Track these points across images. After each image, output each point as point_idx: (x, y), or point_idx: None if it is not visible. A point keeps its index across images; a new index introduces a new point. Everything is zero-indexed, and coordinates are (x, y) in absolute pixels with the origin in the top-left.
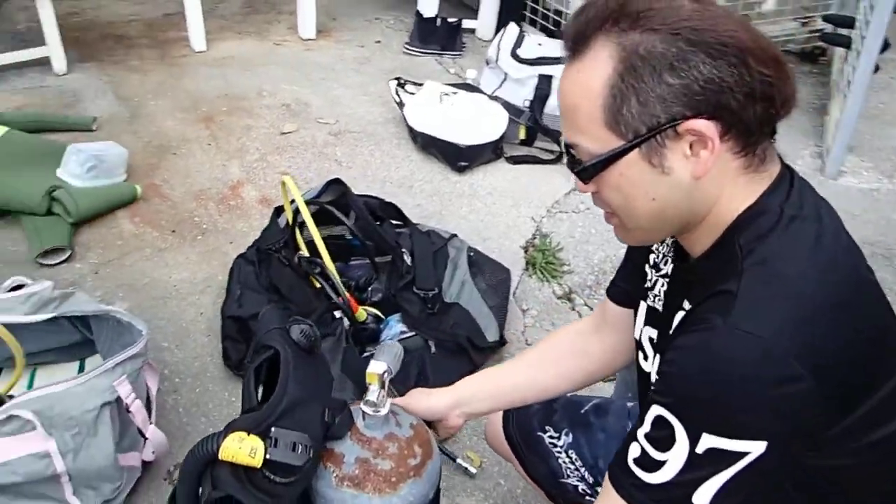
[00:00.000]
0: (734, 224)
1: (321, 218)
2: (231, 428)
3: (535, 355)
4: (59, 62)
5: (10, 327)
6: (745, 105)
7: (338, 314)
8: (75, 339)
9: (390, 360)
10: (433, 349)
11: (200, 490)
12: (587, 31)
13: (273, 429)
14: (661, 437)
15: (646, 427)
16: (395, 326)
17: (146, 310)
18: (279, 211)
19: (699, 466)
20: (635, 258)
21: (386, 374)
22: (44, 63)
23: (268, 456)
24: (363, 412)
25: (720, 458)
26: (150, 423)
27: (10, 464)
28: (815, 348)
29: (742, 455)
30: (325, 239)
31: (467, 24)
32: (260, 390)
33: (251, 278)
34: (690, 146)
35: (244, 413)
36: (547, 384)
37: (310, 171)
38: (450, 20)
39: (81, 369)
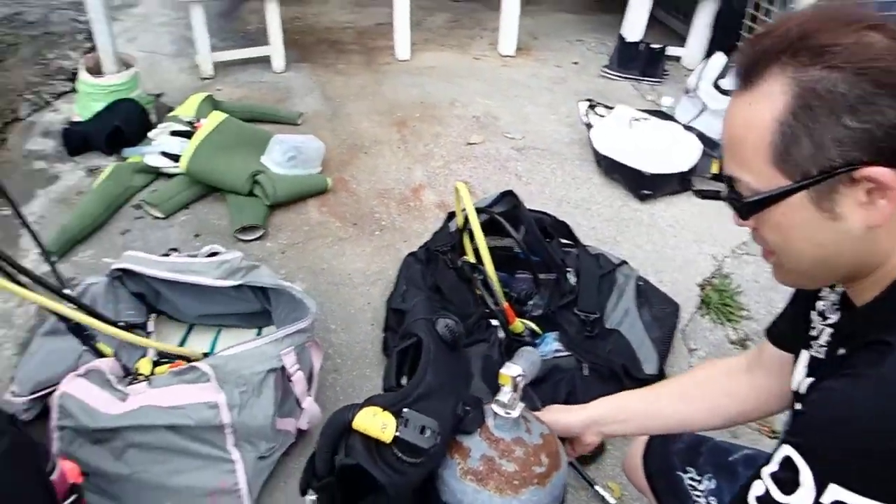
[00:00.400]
0: None
1: (491, 228)
2: (369, 402)
3: (681, 387)
4: (278, 61)
5: (202, 288)
6: None
7: (494, 322)
8: (256, 308)
9: (526, 365)
10: (586, 372)
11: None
12: (762, 60)
13: (405, 410)
14: (787, 478)
15: (773, 466)
16: (551, 344)
17: (321, 293)
18: (452, 216)
19: None
20: (802, 303)
21: (520, 378)
22: (265, 61)
23: (397, 433)
24: (494, 412)
25: None
26: (309, 396)
27: (185, 408)
28: None
29: None
30: (492, 249)
31: (672, 51)
32: (404, 380)
33: (417, 276)
34: (867, 193)
35: (384, 392)
36: (691, 418)
37: (489, 182)
38: (653, 46)
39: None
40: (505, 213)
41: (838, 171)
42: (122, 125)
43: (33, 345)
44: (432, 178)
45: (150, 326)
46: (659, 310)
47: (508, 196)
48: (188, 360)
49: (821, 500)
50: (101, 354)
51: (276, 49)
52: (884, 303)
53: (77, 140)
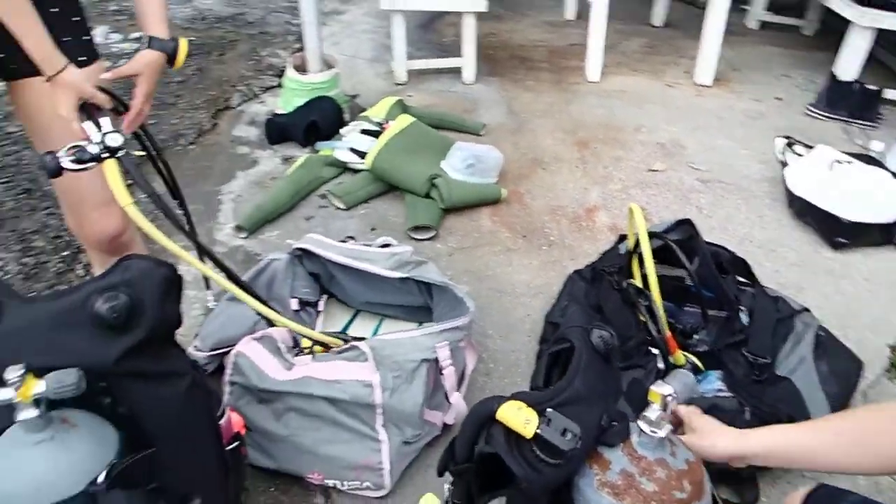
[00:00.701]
0: None
1: (664, 256)
2: (515, 396)
3: (852, 429)
4: (469, 73)
5: (371, 276)
6: None
7: (654, 351)
8: (419, 302)
9: (679, 386)
10: (748, 416)
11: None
12: None
13: (550, 410)
14: None
15: None
16: (714, 382)
17: (482, 298)
18: (623, 238)
19: None
20: None
21: (670, 398)
22: (457, 72)
23: (538, 431)
24: (640, 429)
25: None
26: (458, 392)
27: (342, 383)
28: None
29: None
30: (661, 277)
31: (890, 93)
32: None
33: (580, 294)
34: None
35: (530, 391)
36: (859, 463)
37: (667, 211)
38: (869, 87)
39: None
40: (679, 241)
41: None
42: (319, 120)
43: (218, 307)
44: (608, 200)
45: (321, 306)
46: (838, 364)
47: (685, 225)
48: (327, 346)
49: None
50: (271, 324)
51: (468, 61)
52: None
53: (277, 130)
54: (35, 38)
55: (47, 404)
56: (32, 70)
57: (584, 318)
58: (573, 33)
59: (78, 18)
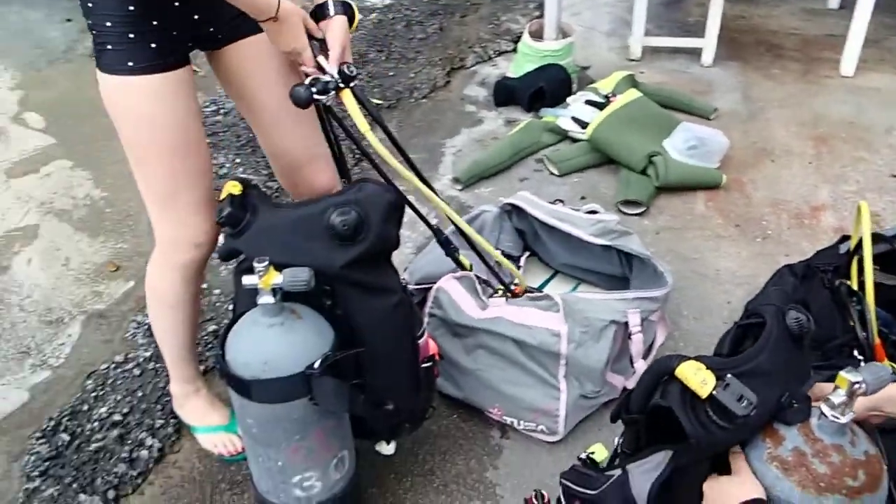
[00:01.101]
0: None
1: (889, 262)
2: (697, 358)
3: None
4: (708, 55)
5: (574, 240)
6: None
7: (858, 357)
8: (617, 272)
9: (870, 377)
10: None
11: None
12: None
13: (729, 375)
14: None
15: None
16: None
17: (683, 279)
18: (845, 238)
19: None
20: None
21: (857, 386)
22: (695, 53)
23: (714, 392)
24: (821, 411)
25: None
26: (643, 361)
27: (532, 328)
28: None
29: None
30: (881, 284)
31: None
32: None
33: (788, 287)
34: None
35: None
36: None
37: None
38: None
39: None
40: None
41: None
42: (546, 87)
43: (427, 247)
44: (838, 201)
45: (522, 262)
46: None
47: None
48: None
49: None
50: (461, 266)
51: (708, 43)
52: None
53: (505, 93)
54: None
55: (282, 295)
56: (236, 34)
57: (782, 299)
58: (833, 23)
59: None
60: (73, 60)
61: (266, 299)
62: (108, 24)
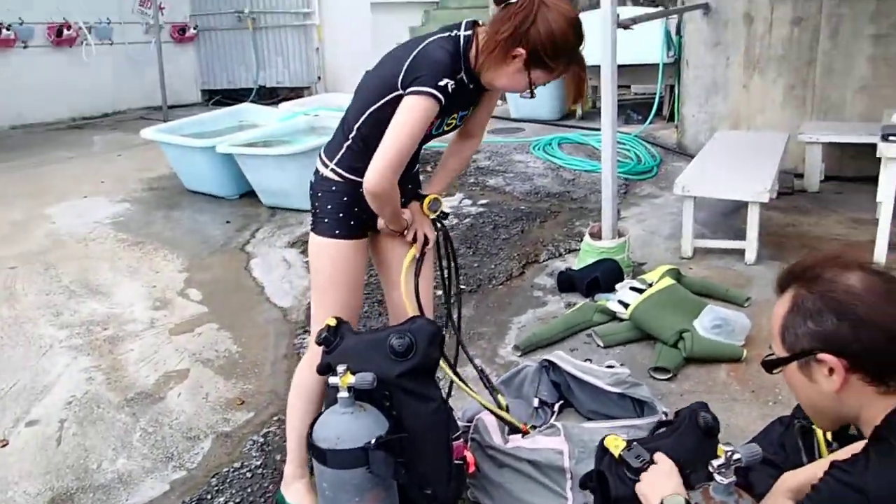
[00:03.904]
0: (882, 424)
1: None
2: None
3: None
4: (750, 254)
5: (596, 389)
6: (865, 355)
7: None
8: (631, 415)
9: (744, 452)
10: None
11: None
12: (786, 280)
13: (634, 443)
14: None
15: None
16: None
17: None
18: None
19: None
20: None
21: (732, 455)
22: (741, 253)
23: (622, 453)
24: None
25: None
26: None
27: (541, 450)
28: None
29: None
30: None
31: None
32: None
33: (774, 433)
34: (829, 371)
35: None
36: None
37: None
38: None
39: None
40: None
41: (806, 353)
42: (600, 277)
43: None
44: None
45: (556, 408)
46: None
47: None
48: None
49: None
50: (499, 404)
51: (750, 244)
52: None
53: (566, 282)
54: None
55: (355, 392)
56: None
57: (763, 443)
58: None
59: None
60: (228, 252)
61: (343, 394)
62: (329, 206)
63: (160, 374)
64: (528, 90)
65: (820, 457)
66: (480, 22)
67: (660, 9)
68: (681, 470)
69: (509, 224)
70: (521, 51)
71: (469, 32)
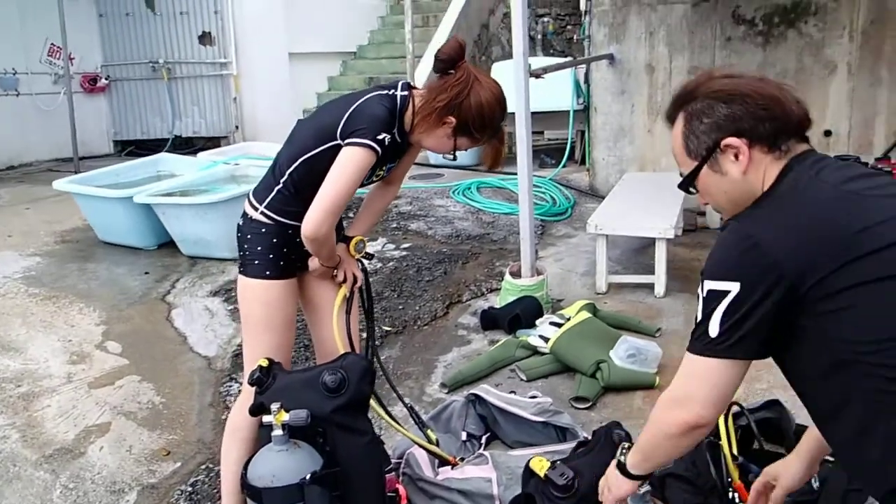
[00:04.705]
0: (774, 183)
1: (772, 430)
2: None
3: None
4: (660, 288)
5: (521, 419)
6: (756, 125)
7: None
8: (555, 443)
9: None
10: None
11: None
12: (674, 110)
13: (558, 462)
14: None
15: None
16: None
17: None
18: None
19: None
20: None
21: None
22: (650, 287)
23: (547, 472)
24: None
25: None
26: None
27: (470, 479)
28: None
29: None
30: (761, 449)
31: None
32: None
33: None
34: (735, 156)
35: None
36: None
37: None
38: None
39: None
40: (768, 419)
41: (712, 147)
42: (521, 314)
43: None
44: (751, 395)
45: (483, 440)
46: None
47: (775, 406)
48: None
49: (704, 293)
50: (429, 439)
51: (659, 278)
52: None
53: (489, 320)
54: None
55: (290, 430)
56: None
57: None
58: None
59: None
60: (148, 303)
61: (277, 432)
62: (259, 248)
63: (80, 428)
64: (452, 153)
65: (727, 469)
66: (412, 84)
67: (569, 59)
68: (598, 484)
69: (432, 266)
70: (452, 119)
71: (406, 93)
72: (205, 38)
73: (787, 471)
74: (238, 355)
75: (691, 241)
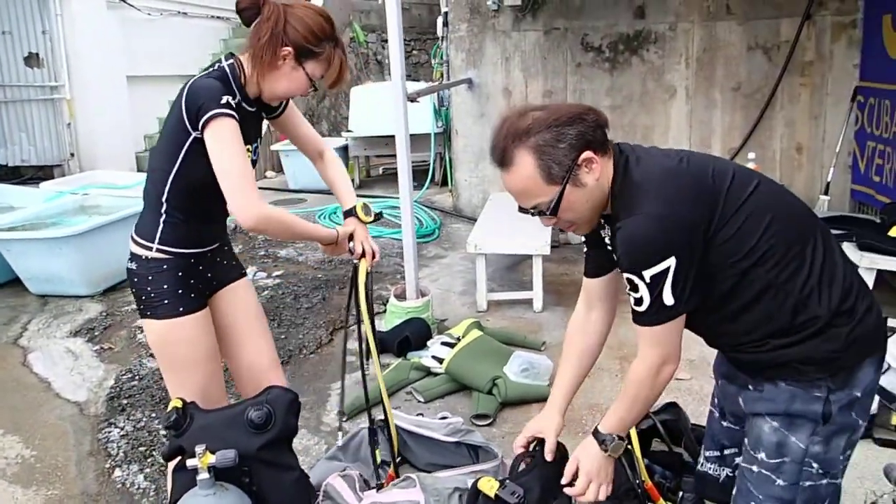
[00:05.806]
0: (616, 175)
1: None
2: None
3: (576, 355)
4: (538, 303)
5: (433, 441)
6: (595, 135)
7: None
8: (468, 462)
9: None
10: None
11: None
12: (508, 151)
13: (507, 481)
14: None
15: (627, 288)
16: None
17: None
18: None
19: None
20: (593, 238)
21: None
22: (529, 302)
23: (498, 492)
24: None
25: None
26: None
27: (397, 503)
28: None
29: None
30: (663, 451)
31: None
32: None
33: None
34: (588, 167)
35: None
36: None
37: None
38: None
39: None
40: (666, 421)
41: (571, 165)
42: (411, 336)
43: (320, 464)
44: None
45: (390, 467)
46: None
47: (673, 407)
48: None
49: (647, 281)
50: (374, 459)
51: (536, 294)
52: (615, 202)
53: (378, 344)
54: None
55: (215, 472)
56: (225, 280)
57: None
58: None
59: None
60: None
61: (203, 475)
62: (166, 286)
63: None
64: (311, 86)
65: (638, 471)
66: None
67: (430, 83)
68: (547, 498)
69: (309, 293)
70: (288, 49)
71: (231, 61)
72: (31, 60)
73: (550, 423)
74: (113, 398)
75: (558, 257)
